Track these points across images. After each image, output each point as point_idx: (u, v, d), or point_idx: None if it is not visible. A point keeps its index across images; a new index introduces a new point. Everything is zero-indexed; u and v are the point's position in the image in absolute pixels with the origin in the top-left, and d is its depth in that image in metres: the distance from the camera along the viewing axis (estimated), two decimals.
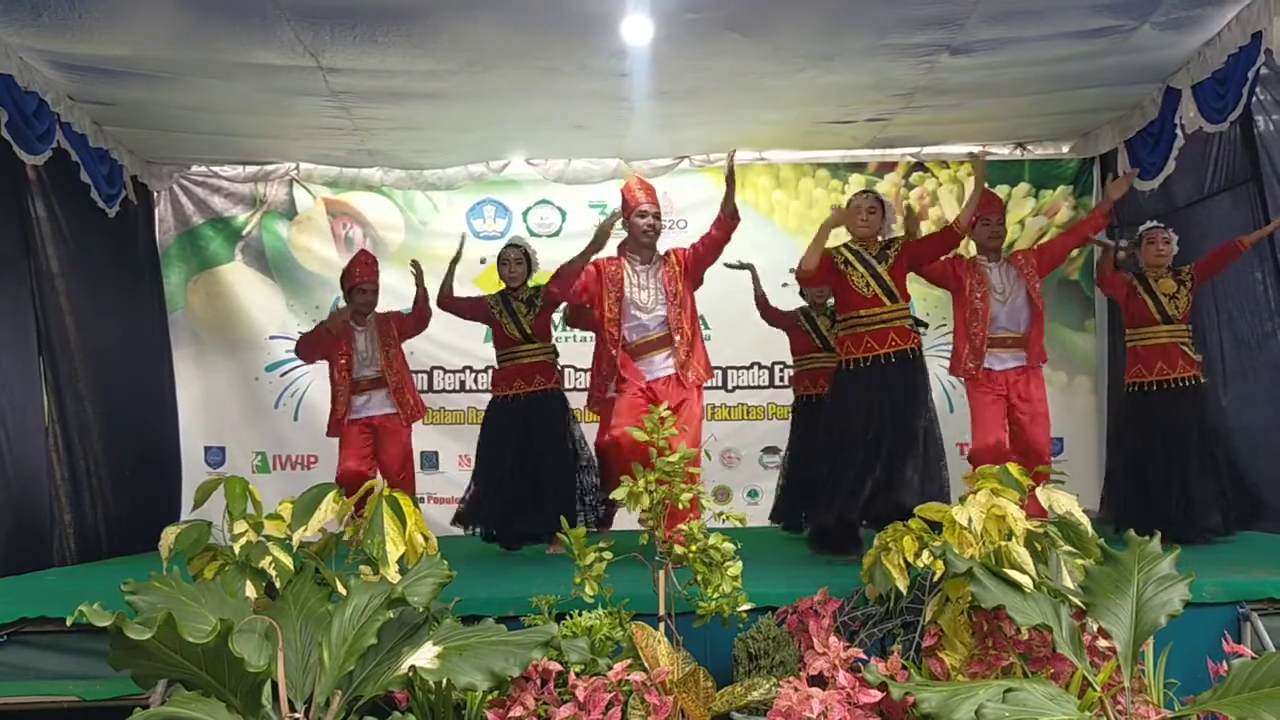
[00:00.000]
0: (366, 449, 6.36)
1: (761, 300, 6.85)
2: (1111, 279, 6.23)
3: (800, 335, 6.71)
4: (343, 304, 6.59)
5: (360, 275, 6.43)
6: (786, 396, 7.28)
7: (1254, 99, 5.75)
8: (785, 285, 7.19)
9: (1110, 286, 6.30)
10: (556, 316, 6.45)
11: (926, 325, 5.74)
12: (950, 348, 6.03)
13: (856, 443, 5.05)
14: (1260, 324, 6.19)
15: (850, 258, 5.29)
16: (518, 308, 6.15)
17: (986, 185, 5.81)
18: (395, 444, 6.42)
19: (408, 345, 7.28)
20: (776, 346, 7.13)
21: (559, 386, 6.27)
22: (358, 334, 6.43)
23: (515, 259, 6.23)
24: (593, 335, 6.01)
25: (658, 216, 5.47)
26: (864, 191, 5.57)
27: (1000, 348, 5.73)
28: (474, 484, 6.25)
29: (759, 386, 7.96)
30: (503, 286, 6.27)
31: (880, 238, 5.38)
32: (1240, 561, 4.62)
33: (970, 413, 5.82)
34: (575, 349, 7.12)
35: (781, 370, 7.80)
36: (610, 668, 3.17)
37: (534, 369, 6.15)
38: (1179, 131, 6.24)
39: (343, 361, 6.35)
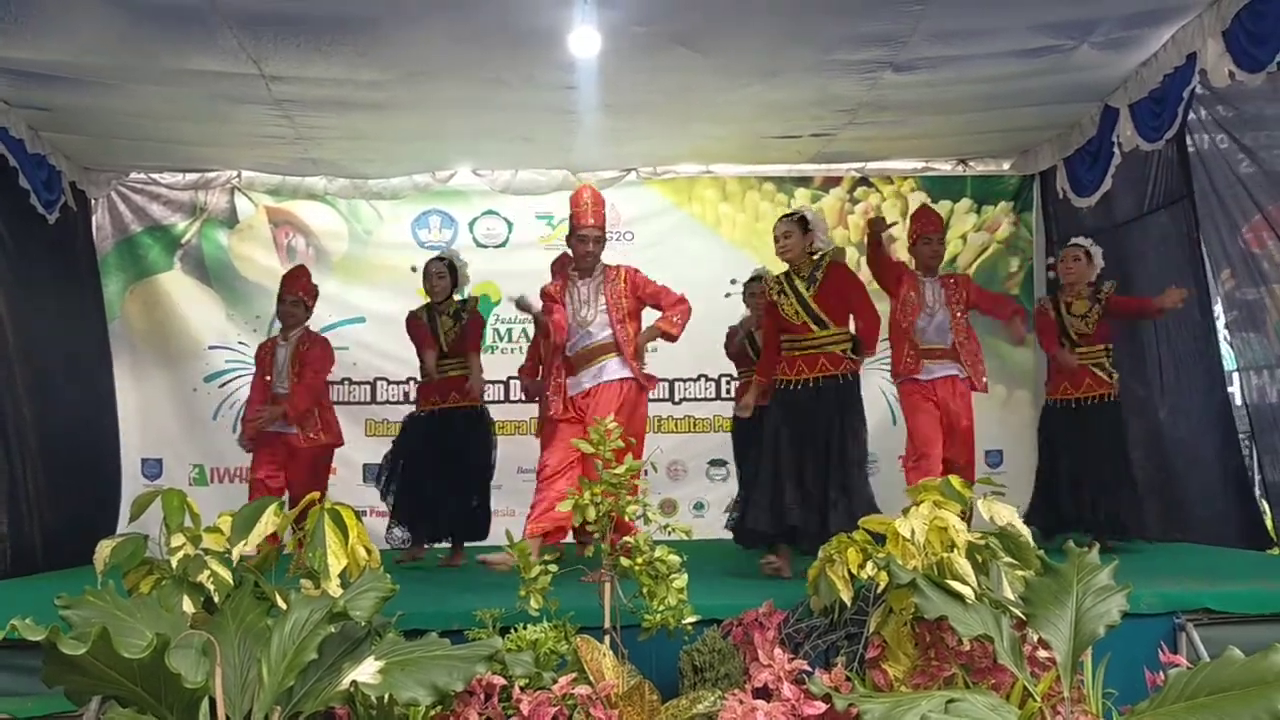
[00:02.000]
0: (276, 460, 6.32)
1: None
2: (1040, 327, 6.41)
3: (743, 355, 6.77)
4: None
5: (285, 286, 6.43)
6: (733, 409, 7.28)
7: (1189, 118, 5.89)
8: (728, 295, 7.23)
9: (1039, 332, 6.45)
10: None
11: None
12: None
13: (788, 461, 5.13)
14: (1194, 341, 6.32)
15: (784, 286, 5.31)
16: (442, 322, 6.18)
17: (928, 203, 5.94)
18: (300, 462, 6.36)
19: (349, 355, 7.22)
20: (723, 359, 7.16)
21: (477, 402, 6.26)
22: (279, 348, 6.41)
23: (438, 273, 6.24)
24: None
25: (598, 241, 5.32)
26: (782, 218, 5.50)
27: (928, 358, 5.84)
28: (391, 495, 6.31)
29: (706, 399, 7.97)
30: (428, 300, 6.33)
31: (813, 256, 5.32)
32: (1176, 573, 4.70)
33: (906, 421, 5.90)
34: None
35: (728, 383, 7.81)
36: (555, 681, 3.15)
37: (450, 385, 6.16)
38: (1116, 150, 6.37)
39: (263, 367, 6.37)
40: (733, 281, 7.29)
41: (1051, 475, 6.27)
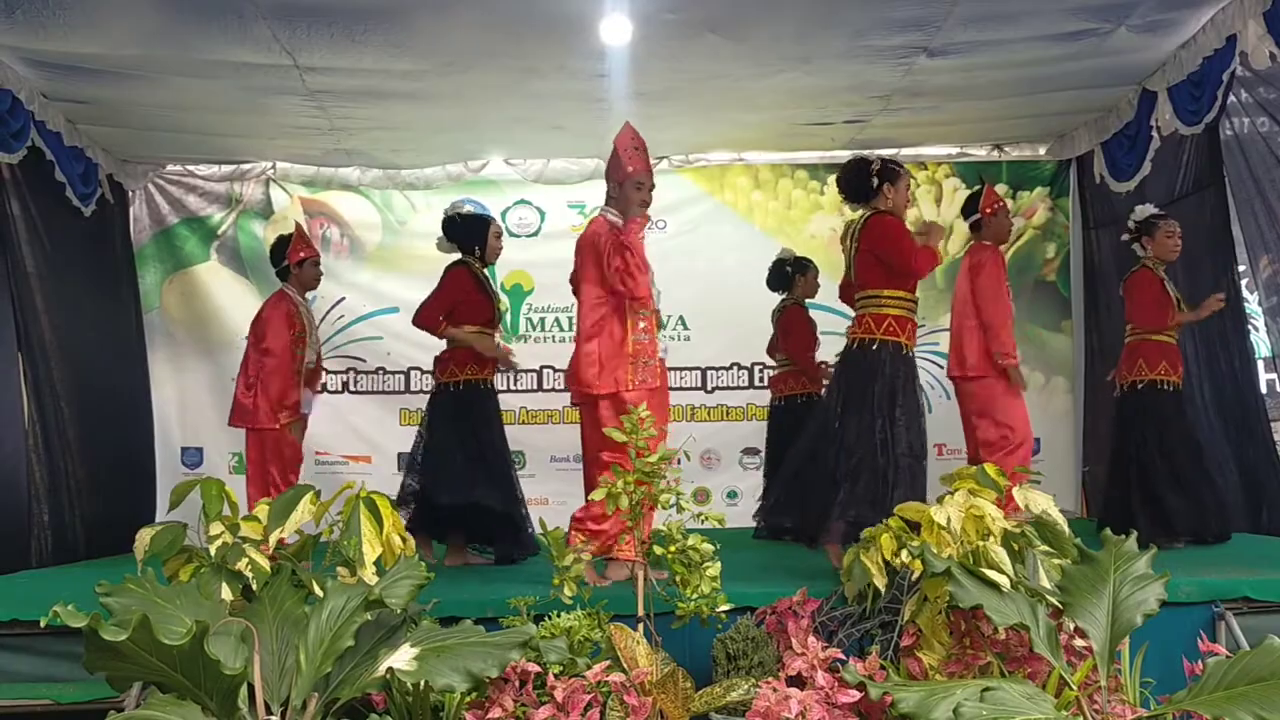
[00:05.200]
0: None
1: None
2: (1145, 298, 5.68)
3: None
4: None
5: (303, 248, 6.08)
6: (766, 397, 7.12)
7: (1228, 101, 5.79)
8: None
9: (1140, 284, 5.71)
10: None
11: None
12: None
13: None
14: (1222, 327, 6.23)
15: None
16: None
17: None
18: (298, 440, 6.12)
19: (384, 345, 7.23)
20: (755, 347, 7.14)
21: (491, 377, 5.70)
22: (304, 313, 6.07)
23: (499, 234, 5.64)
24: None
25: (652, 189, 4.82)
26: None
27: None
28: (416, 481, 5.53)
29: (739, 387, 7.95)
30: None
31: None
32: (1214, 561, 4.65)
33: (999, 407, 5.63)
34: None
35: (761, 371, 7.79)
36: (589, 668, 3.16)
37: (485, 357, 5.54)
38: (1154, 134, 6.29)
39: (296, 333, 5.92)
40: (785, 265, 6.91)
41: (1132, 465, 5.63)
